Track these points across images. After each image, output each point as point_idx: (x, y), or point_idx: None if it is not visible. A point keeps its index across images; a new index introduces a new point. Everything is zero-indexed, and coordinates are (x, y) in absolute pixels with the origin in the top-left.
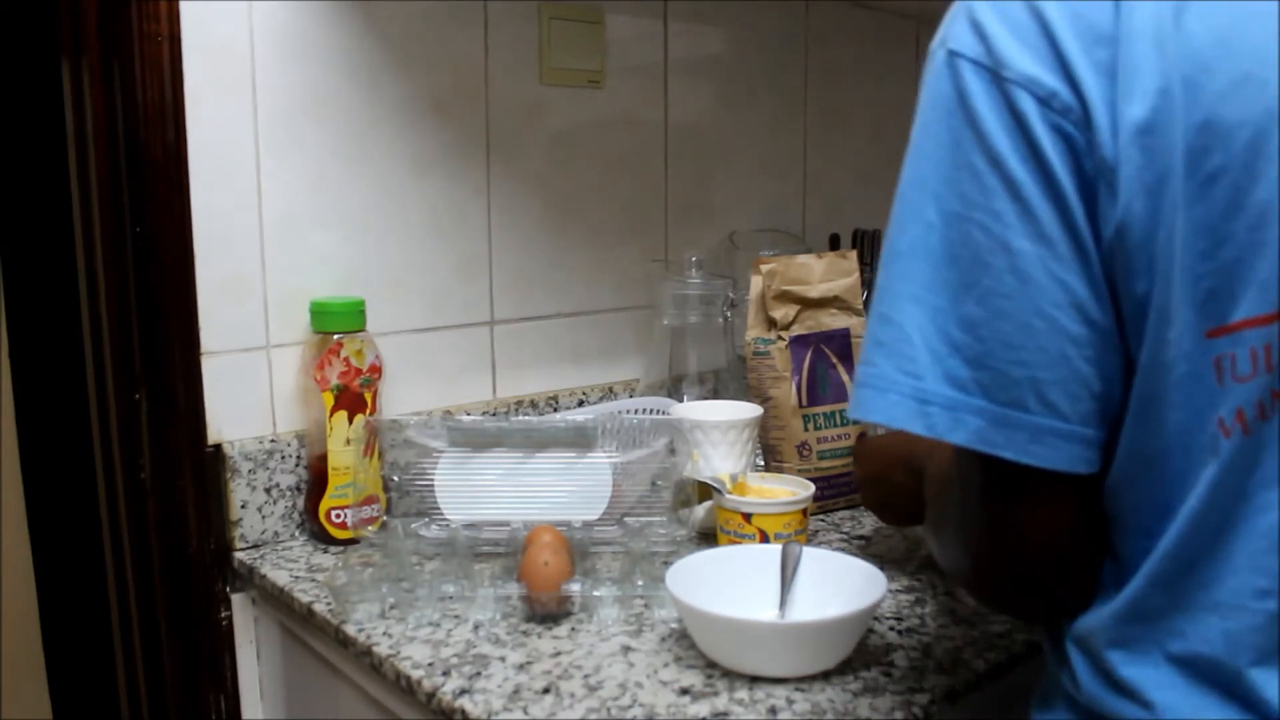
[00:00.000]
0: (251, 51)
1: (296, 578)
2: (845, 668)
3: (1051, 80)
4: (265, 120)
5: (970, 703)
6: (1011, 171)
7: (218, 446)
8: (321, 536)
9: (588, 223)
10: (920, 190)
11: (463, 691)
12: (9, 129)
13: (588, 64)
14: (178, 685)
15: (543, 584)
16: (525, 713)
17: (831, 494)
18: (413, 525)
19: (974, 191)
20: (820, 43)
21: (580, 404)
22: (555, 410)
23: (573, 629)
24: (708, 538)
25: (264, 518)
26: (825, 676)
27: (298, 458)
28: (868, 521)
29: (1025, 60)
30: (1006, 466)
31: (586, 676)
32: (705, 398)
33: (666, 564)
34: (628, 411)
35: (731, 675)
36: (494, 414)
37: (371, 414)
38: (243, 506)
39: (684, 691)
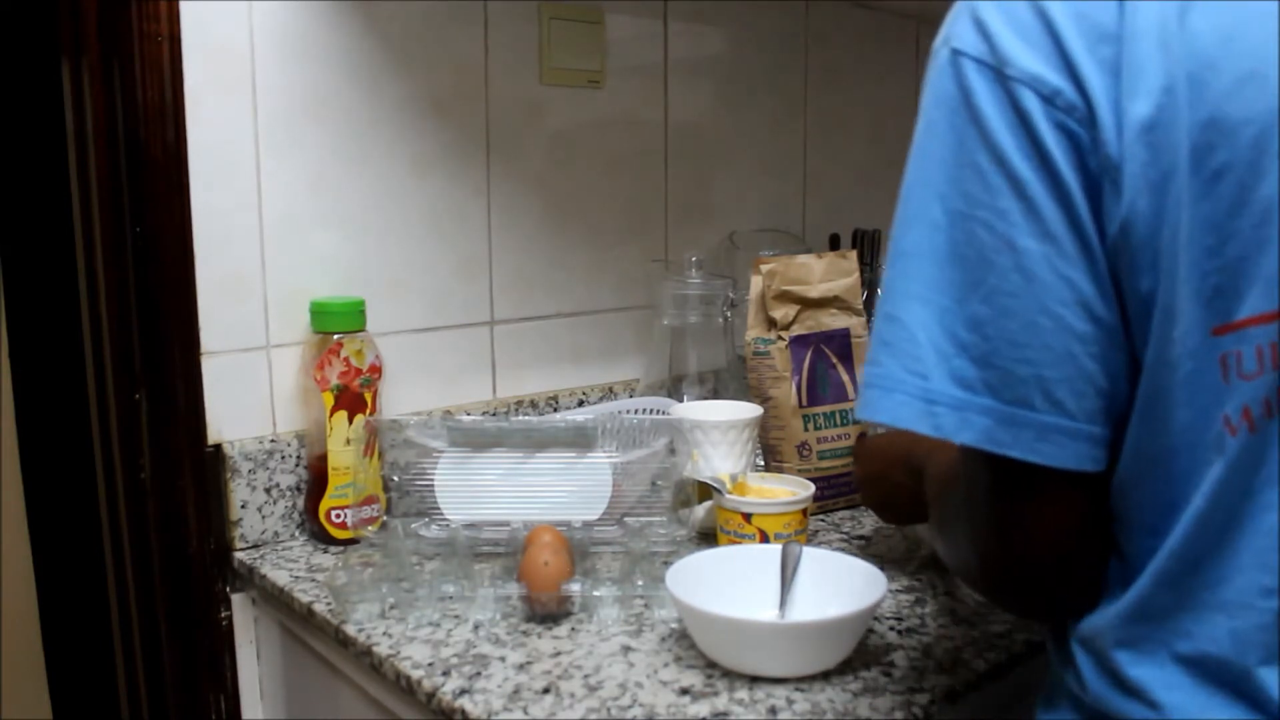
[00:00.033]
0: (251, 51)
1: (296, 578)
2: (845, 668)
3: (1055, 78)
4: (265, 120)
5: (970, 703)
6: (1016, 170)
7: (218, 446)
8: (321, 536)
9: (588, 223)
10: (925, 190)
11: (463, 691)
12: (9, 129)
13: (588, 64)
14: (178, 685)
15: (543, 584)
16: (525, 713)
17: (831, 494)
18: (413, 525)
19: (978, 190)
20: (820, 43)
21: (580, 404)
22: (555, 410)
23: (573, 629)
24: (708, 538)
25: (264, 518)
26: (825, 676)
27: (298, 458)
28: (868, 521)
29: (1029, 58)
30: (1013, 465)
31: (586, 676)
32: (705, 398)
33: (666, 564)
34: (628, 411)
35: (731, 675)
36: (494, 414)
37: (371, 414)
38: (243, 506)
39: (684, 691)
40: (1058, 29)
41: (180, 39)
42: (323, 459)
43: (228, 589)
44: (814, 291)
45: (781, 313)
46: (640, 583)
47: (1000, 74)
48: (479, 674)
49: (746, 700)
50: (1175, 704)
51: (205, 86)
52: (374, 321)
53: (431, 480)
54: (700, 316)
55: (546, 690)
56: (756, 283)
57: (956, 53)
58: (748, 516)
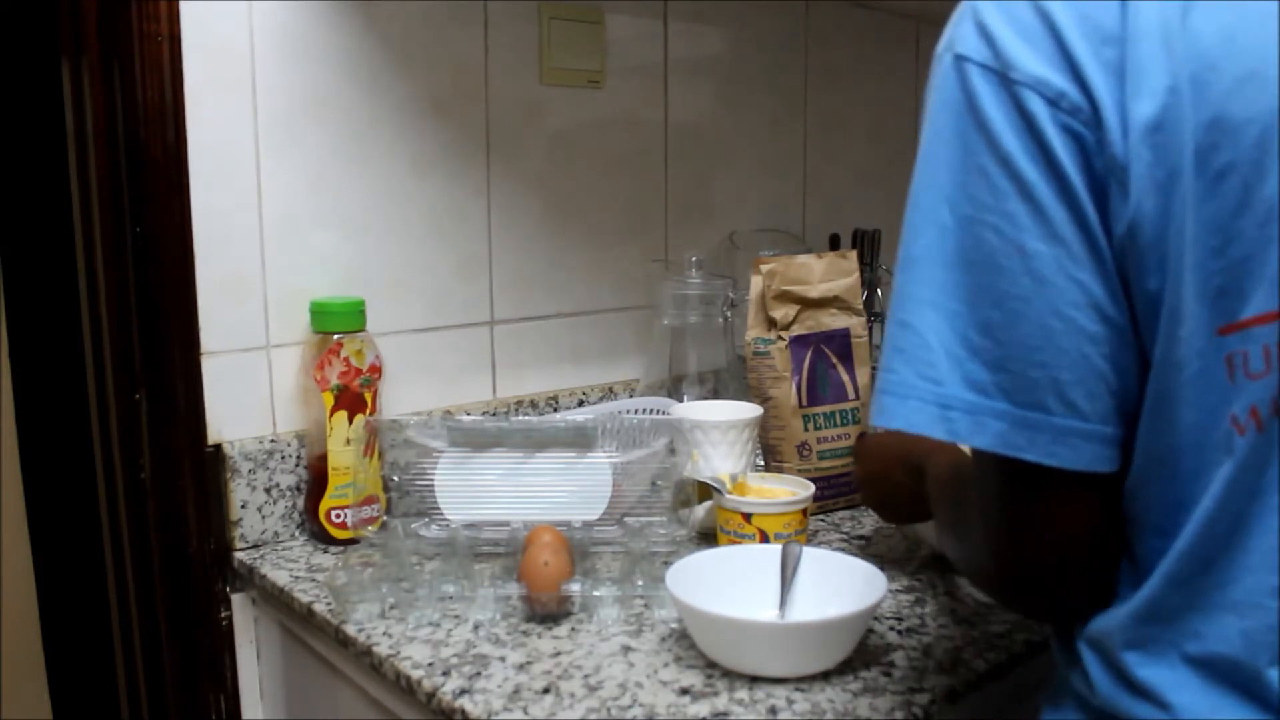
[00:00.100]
0: (251, 51)
1: (296, 578)
2: (845, 668)
3: (1060, 80)
4: (265, 120)
5: (970, 703)
6: (1023, 173)
7: (218, 446)
8: (321, 536)
9: (588, 223)
10: (932, 195)
11: (463, 691)
12: (9, 129)
13: (588, 64)
14: (178, 685)
15: (543, 584)
16: (525, 713)
17: (831, 494)
18: (413, 525)
19: (986, 194)
20: (820, 43)
21: (580, 404)
22: (555, 410)
23: (573, 629)
24: (708, 538)
25: (264, 518)
26: (825, 676)
27: (298, 458)
28: (868, 521)
29: (1033, 61)
30: (1027, 467)
31: (586, 676)
32: (705, 398)
33: (666, 564)
34: (628, 411)
35: (731, 675)
36: (494, 414)
37: (371, 414)
38: (243, 506)
39: (684, 691)
40: (1061, 31)
41: (180, 39)
42: (323, 459)
43: (228, 589)
44: (814, 291)
45: (781, 313)
46: (640, 583)
47: (1005, 78)
48: (479, 674)
49: (746, 700)
50: (1185, 705)
51: (205, 86)
52: (374, 321)
53: (431, 480)
54: (700, 316)
55: (546, 690)
56: (756, 283)
57: (960, 58)
58: (748, 516)
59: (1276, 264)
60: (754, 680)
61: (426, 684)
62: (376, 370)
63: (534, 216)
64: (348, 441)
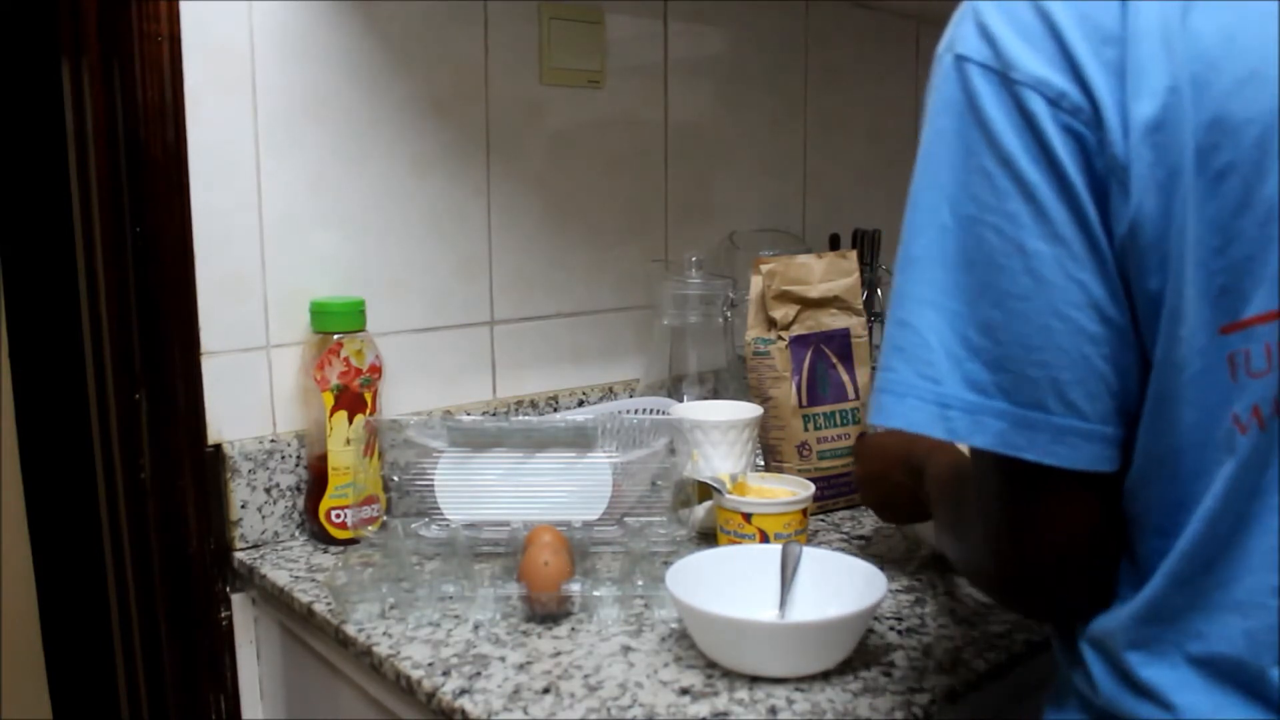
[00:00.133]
0: (251, 51)
1: (296, 578)
2: (845, 668)
3: (1060, 81)
4: (265, 120)
5: (970, 703)
6: (1023, 173)
7: (218, 446)
8: (321, 536)
9: (588, 223)
10: (933, 195)
11: (463, 691)
12: (9, 129)
13: (588, 64)
14: (178, 685)
15: (543, 584)
16: (525, 713)
17: (831, 494)
18: (413, 525)
19: (987, 194)
20: (820, 43)
21: (580, 404)
22: (555, 410)
23: (573, 629)
24: (708, 538)
25: (264, 518)
26: (825, 676)
27: (298, 458)
28: (868, 521)
29: (1033, 61)
30: (1027, 467)
31: (586, 676)
32: (705, 398)
33: (666, 564)
34: (628, 411)
35: (731, 675)
36: (494, 414)
37: (371, 414)
38: (243, 506)
39: (684, 691)
40: (1061, 31)
41: (180, 39)
42: (323, 459)
43: (228, 589)
44: (814, 291)
45: (781, 313)
46: (640, 583)
47: (1005, 78)
48: (479, 674)
49: (746, 700)
50: (1189, 705)
51: (205, 86)
52: (374, 321)
53: (431, 480)
54: (700, 316)
55: (546, 690)
56: (756, 283)
57: (961, 58)
58: (748, 516)
59: (1277, 263)
60: (754, 680)
61: (426, 684)
62: (376, 370)
63: (534, 216)
64: (348, 441)
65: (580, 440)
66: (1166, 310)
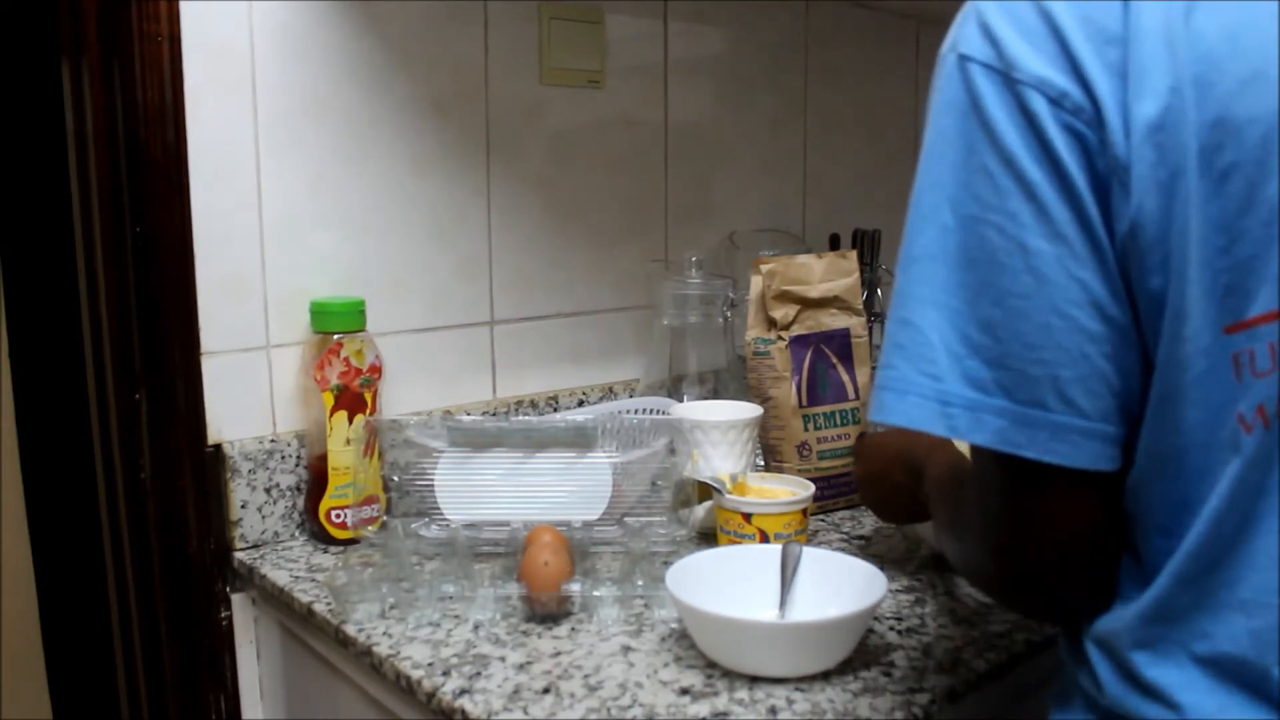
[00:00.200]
0: (251, 51)
1: (296, 578)
2: (845, 668)
3: (1062, 81)
4: (265, 120)
5: (970, 703)
6: (1025, 172)
7: (218, 446)
8: (321, 536)
9: (588, 223)
10: (935, 194)
11: (463, 691)
12: (9, 129)
13: (588, 64)
14: (178, 685)
15: (543, 584)
16: (525, 713)
17: (831, 494)
18: (413, 525)
19: (989, 193)
20: (820, 43)
21: (580, 404)
22: (555, 410)
23: (573, 629)
24: (708, 538)
25: (264, 518)
26: (825, 676)
27: (298, 458)
28: (868, 521)
29: (1036, 61)
30: (1027, 465)
31: (586, 676)
32: (705, 398)
33: (666, 564)
34: (628, 411)
35: (731, 675)
36: (494, 414)
37: (371, 414)
38: (243, 506)
39: (684, 691)
40: (1063, 32)
41: (180, 39)
42: (323, 459)
43: (228, 589)
44: (814, 291)
45: (781, 313)
46: (640, 583)
47: (1007, 77)
48: (479, 674)
49: (746, 700)
50: (1194, 705)
51: (205, 86)
52: (374, 321)
53: (431, 480)
54: (700, 316)
55: (546, 690)
56: (756, 283)
57: (964, 58)
58: (748, 516)
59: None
60: (754, 680)
61: (426, 684)
62: (376, 370)
63: (534, 216)
64: (348, 441)
65: (580, 440)
66: (1170, 309)
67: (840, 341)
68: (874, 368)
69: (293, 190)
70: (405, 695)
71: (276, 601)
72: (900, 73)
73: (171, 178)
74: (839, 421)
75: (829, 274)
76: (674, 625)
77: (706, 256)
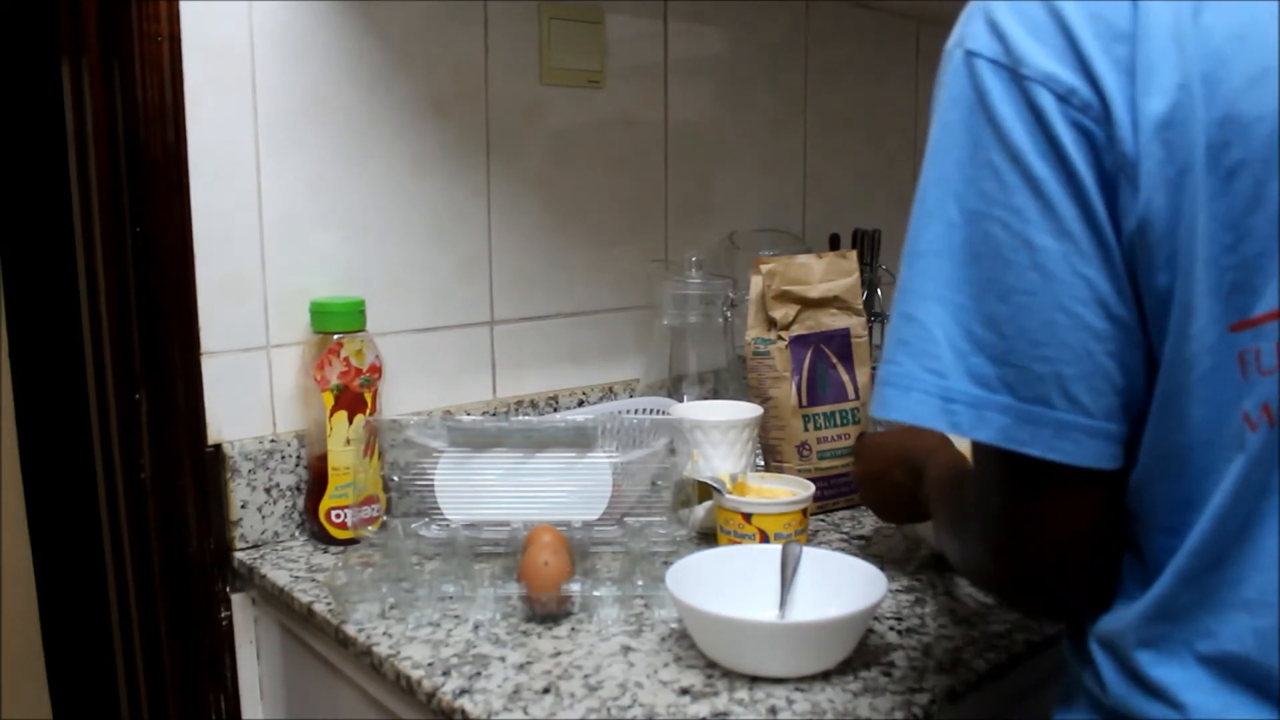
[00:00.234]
0: (251, 51)
1: (296, 578)
2: (845, 668)
3: (1070, 77)
4: (265, 120)
5: (970, 703)
6: (1032, 168)
7: (218, 446)
8: (321, 536)
9: (588, 223)
10: (941, 189)
11: (463, 691)
12: (9, 129)
13: (588, 64)
14: (178, 685)
15: (543, 584)
16: (525, 713)
17: (831, 494)
18: (413, 525)
19: (995, 189)
20: (820, 43)
21: (580, 404)
22: (555, 410)
23: (573, 629)
24: (708, 538)
25: (264, 518)
26: (825, 676)
27: (298, 458)
28: (868, 521)
29: (1043, 58)
30: (1029, 463)
31: (586, 676)
32: (705, 398)
33: (666, 564)
34: (628, 411)
35: (731, 675)
36: (494, 414)
37: (371, 414)
38: (243, 506)
39: (684, 691)
40: (1072, 28)
41: (180, 39)
42: (323, 459)
43: (228, 589)
44: (814, 291)
45: (781, 313)
46: (640, 583)
47: (1015, 73)
48: (479, 674)
49: (746, 700)
50: (1198, 704)
51: (205, 86)
52: (374, 321)
53: (431, 480)
54: (700, 316)
55: (546, 690)
56: (756, 283)
57: (971, 54)
58: (748, 516)
59: None
60: (754, 680)
61: (426, 684)
62: (376, 370)
63: (534, 216)
64: (348, 441)
65: (580, 440)
66: (1176, 307)
67: (840, 341)
68: (874, 367)
69: (293, 190)
70: (405, 695)
71: (276, 601)
72: (900, 73)
73: (171, 178)
74: (839, 421)
75: (829, 274)
76: (674, 625)
77: (706, 256)
